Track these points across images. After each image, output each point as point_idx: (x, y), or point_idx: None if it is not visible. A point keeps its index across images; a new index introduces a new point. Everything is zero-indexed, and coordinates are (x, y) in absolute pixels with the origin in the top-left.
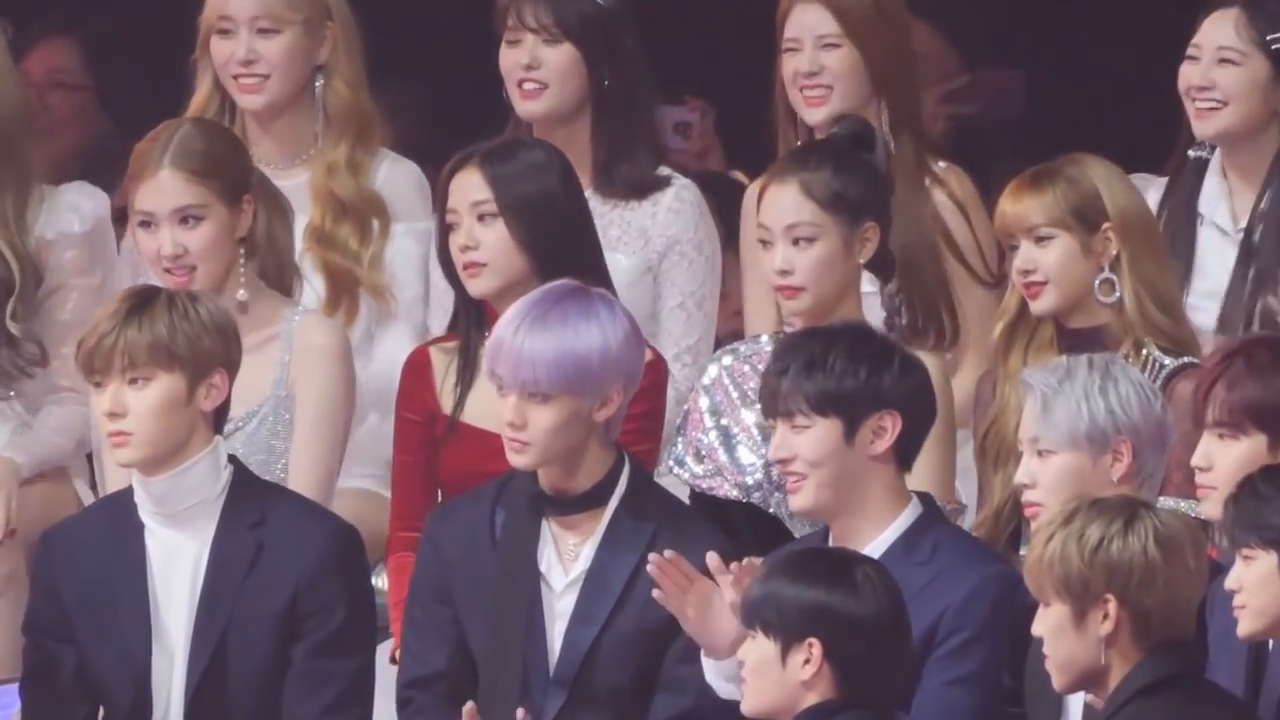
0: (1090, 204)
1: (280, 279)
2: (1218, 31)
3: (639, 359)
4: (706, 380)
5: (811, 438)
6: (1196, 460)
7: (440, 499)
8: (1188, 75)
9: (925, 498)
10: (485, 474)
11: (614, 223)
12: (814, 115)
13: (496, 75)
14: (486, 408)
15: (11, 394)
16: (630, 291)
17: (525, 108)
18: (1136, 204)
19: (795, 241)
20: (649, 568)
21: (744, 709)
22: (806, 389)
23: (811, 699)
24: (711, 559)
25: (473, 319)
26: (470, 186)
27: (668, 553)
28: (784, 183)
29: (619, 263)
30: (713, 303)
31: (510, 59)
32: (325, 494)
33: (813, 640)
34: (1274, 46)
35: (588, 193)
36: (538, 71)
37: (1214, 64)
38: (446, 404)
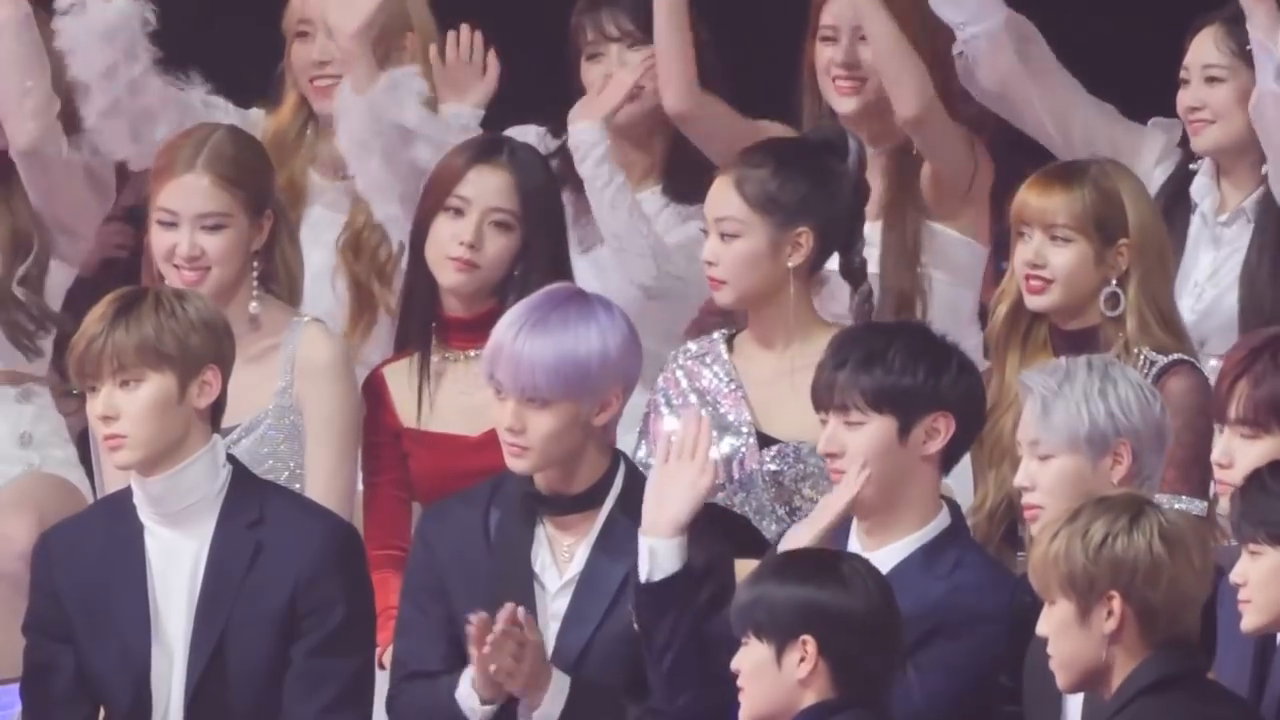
0: (1114, 215)
1: (291, 295)
2: (1201, 51)
3: (637, 362)
4: (662, 382)
5: (865, 434)
6: (1216, 457)
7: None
8: (1182, 99)
9: (954, 507)
10: (456, 473)
11: (666, 215)
12: (845, 105)
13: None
14: (448, 412)
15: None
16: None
17: (627, 110)
18: (1155, 223)
19: (722, 235)
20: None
21: (743, 716)
22: (864, 384)
23: (809, 697)
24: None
25: (426, 327)
26: (493, 189)
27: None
28: (725, 175)
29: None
30: None
31: (597, 74)
32: (347, 508)
33: (806, 637)
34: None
35: (654, 191)
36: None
37: (1202, 84)
38: (407, 418)
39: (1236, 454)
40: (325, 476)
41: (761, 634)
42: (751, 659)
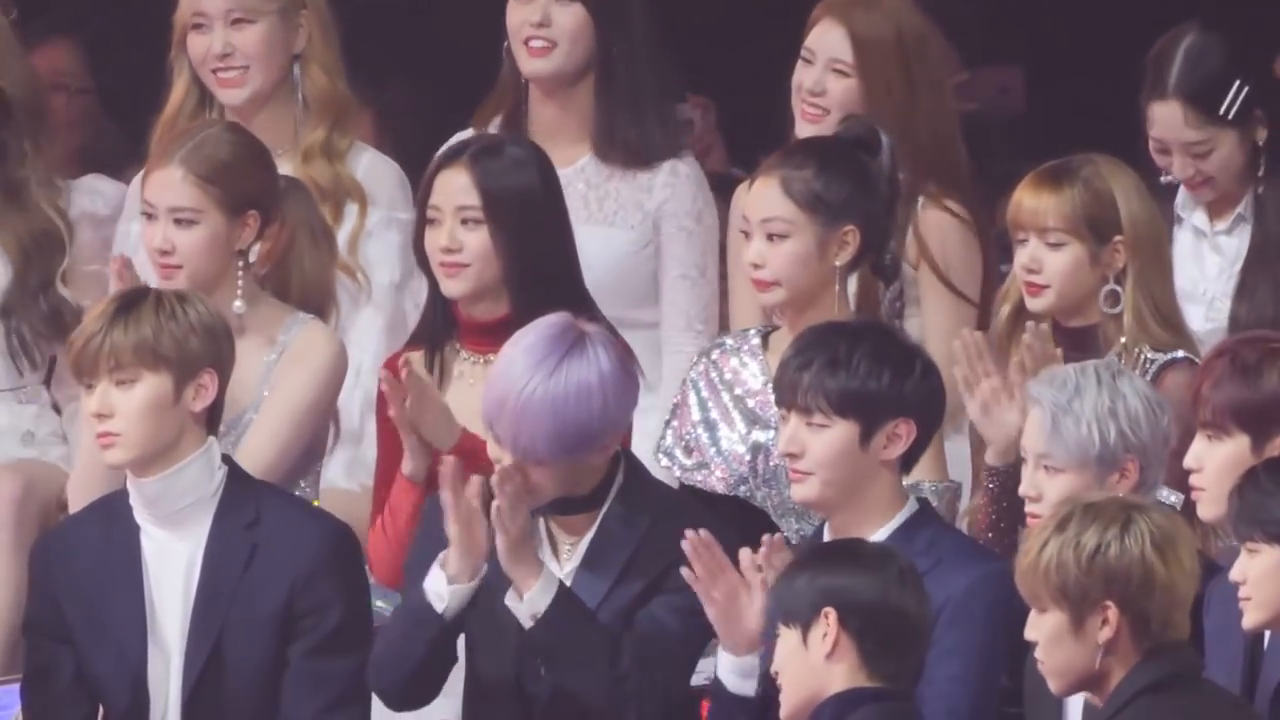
0: (1106, 215)
1: (304, 301)
2: (1173, 128)
3: (635, 400)
4: (694, 373)
5: (827, 438)
6: (1188, 462)
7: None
8: (1168, 166)
9: (920, 498)
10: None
11: (609, 195)
12: (805, 130)
13: (494, 78)
14: (463, 413)
15: (27, 376)
16: (624, 266)
17: (532, 65)
18: (1150, 217)
19: (770, 236)
20: (683, 544)
21: (783, 713)
22: (829, 387)
23: (838, 675)
24: (744, 557)
25: (440, 324)
26: (457, 188)
27: (702, 532)
28: (768, 177)
29: (615, 238)
30: (714, 271)
31: (519, 15)
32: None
33: (828, 609)
34: (1229, 116)
35: (585, 160)
36: (547, 29)
37: (1187, 157)
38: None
39: (1204, 457)
40: (256, 445)
41: (789, 619)
42: (784, 647)
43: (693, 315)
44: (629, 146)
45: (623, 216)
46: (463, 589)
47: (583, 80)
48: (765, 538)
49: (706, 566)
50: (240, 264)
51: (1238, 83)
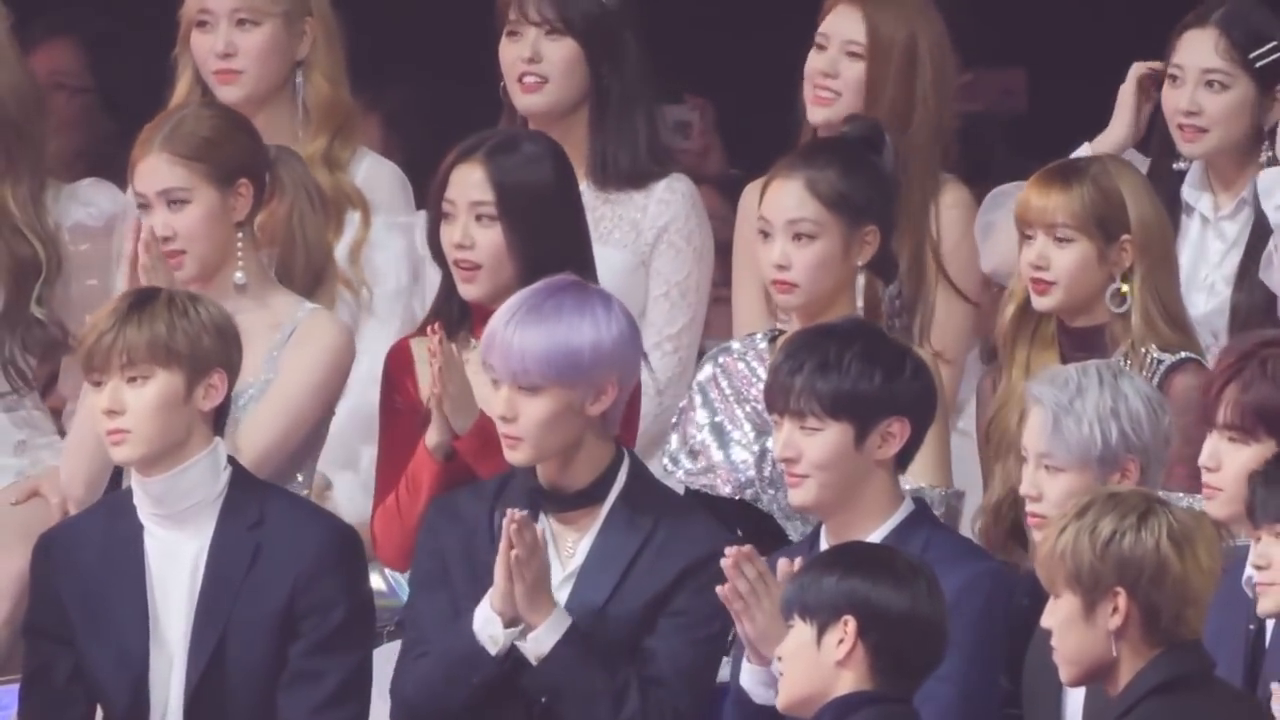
0: (1114, 213)
1: (307, 273)
2: (1199, 53)
3: (635, 355)
4: (701, 378)
5: (821, 441)
6: (1204, 460)
7: None
8: (1173, 99)
9: (917, 498)
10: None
11: (605, 216)
12: (816, 114)
13: (497, 80)
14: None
15: (21, 394)
16: (622, 285)
17: (525, 101)
18: (1157, 217)
19: (796, 237)
20: (722, 562)
21: (780, 702)
22: (820, 390)
23: (846, 681)
24: (783, 565)
25: (454, 314)
26: (472, 184)
27: (746, 547)
28: (790, 178)
29: (610, 257)
30: (698, 294)
31: (511, 52)
32: (265, 468)
33: (848, 617)
34: (1258, 65)
35: (582, 185)
36: (538, 65)
37: (1199, 87)
38: (427, 395)
39: (1224, 458)
40: (254, 429)
41: (806, 614)
42: (794, 641)
43: (665, 335)
44: (621, 172)
45: (618, 236)
46: (515, 632)
47: (577, 112)
48: (731, 550)
49: (750, 584)
50: (240, 236)
51: (1277, 43)
